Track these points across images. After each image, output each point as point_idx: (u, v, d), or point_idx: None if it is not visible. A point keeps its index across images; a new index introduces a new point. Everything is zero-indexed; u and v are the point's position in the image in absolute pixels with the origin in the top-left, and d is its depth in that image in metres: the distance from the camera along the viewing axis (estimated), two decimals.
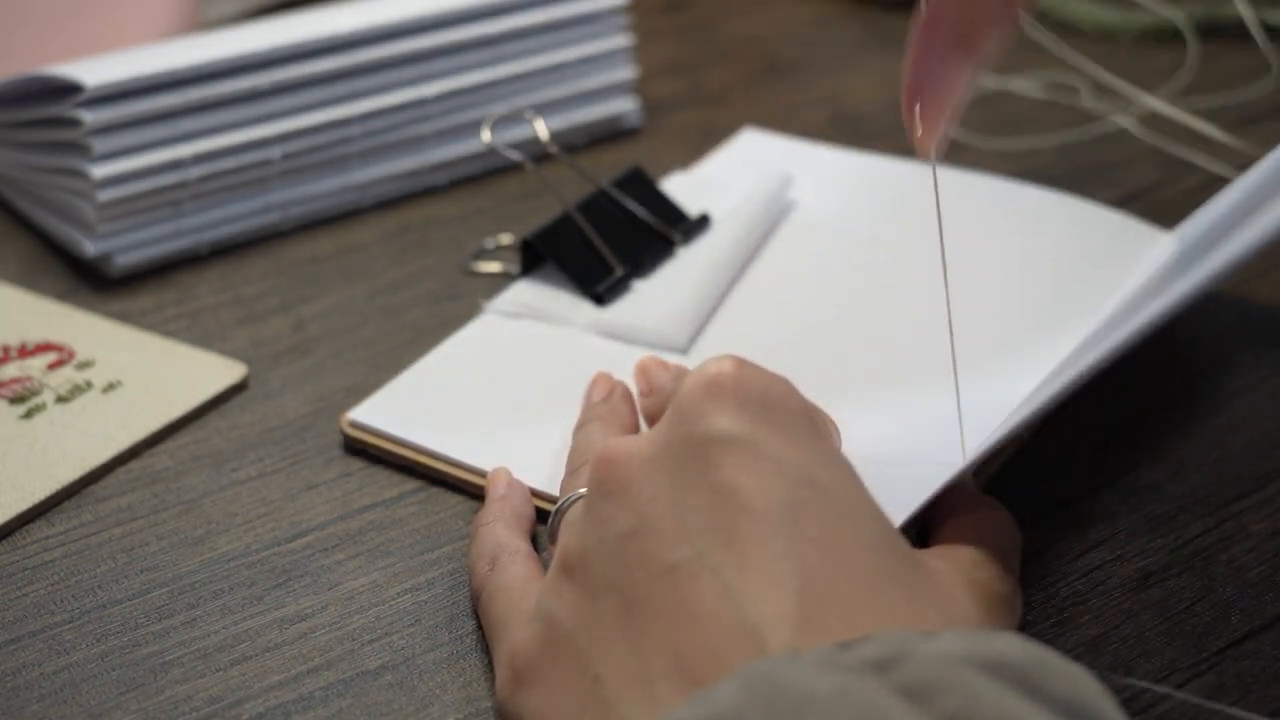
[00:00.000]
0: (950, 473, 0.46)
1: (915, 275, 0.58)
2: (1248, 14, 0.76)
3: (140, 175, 0.61)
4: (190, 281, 0.62)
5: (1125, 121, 0.73)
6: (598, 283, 0.58)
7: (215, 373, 0.55)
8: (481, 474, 0.49)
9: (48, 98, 0.61)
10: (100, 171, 0.60)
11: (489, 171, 0.70)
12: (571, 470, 0.46)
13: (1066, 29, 0.84)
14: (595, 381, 0.51)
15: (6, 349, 0.56)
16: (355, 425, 0.51)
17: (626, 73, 0.74)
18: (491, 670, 0.42)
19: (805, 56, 0.84)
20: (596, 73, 0.72)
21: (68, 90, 0.59)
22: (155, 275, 0.62)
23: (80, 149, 0.60)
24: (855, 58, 0.84)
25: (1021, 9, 0.43)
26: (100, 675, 0.42)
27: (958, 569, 0.38)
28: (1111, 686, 0.32)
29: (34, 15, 0.71)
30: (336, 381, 0.55)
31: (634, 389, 0.51)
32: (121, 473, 0.51)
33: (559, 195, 0.62)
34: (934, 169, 0.46)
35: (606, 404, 0.49)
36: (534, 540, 0.45)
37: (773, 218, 0.63)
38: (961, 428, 0.46)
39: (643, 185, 0.63)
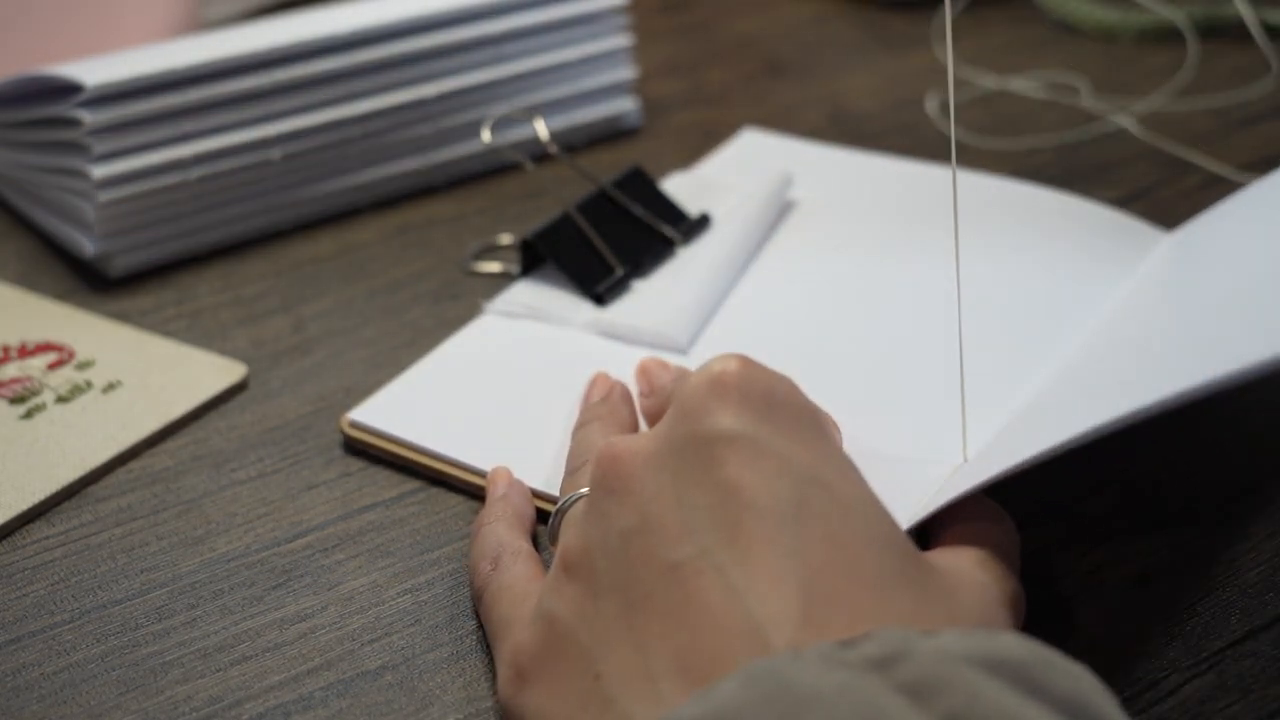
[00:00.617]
0: (950, 471, 0.46)
1: (915, 275, 0.58)
2: (1248, 14, 0.76)
3: (140, 175, 0.61)
4: (190, 281, 0.62)
5: (1125, 121, 0.73)
6: (598, 283, 0.58)
7: (215, 373, 0.55)
8: (481, 474, 0.49)
9: (48, 98, 0.61)
10: (100, 172, 0.60)
11: (489, 171, 0.70)
12: (572, 470, 0.46)
13: (1066, 29, 0.84)
14: (594, 382, 0.51)
15: (6, 349, 0.56)
16: (355, 425, 0.51)
17: (626, 73, 0.74)
18: (492, 670, 0.42)
19: (805, 56, 0.85)
20: (596, 73, 0.73)
21: (68, 90, 0.59)
22: (155, 275, 0.62)
23: (80, 149, 0.60)
24: (855, 58, 0.84)
25: None
26: (100, 675, 0.42)
27: (962, 569, 0.38)
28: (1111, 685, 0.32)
29: (34, 15, 0.71)
30: (336, 381, 0.55)
31: (634, 389, 0.51)
32: (121, 473, 0.51)
33: (559, 195, 0.62)
34: (954, 173, 0.46)
35: (605, 404, 0.49)
36: (534, 540, 0.45)
37: (773, 217, 0.63)
38: (964, 428, 0.46)
39: (643, 185, 0.63)
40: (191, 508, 0.49)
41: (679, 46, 0.86)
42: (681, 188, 0.65)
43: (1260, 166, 0.68)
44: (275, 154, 0.64)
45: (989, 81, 0.79)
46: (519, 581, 0.41)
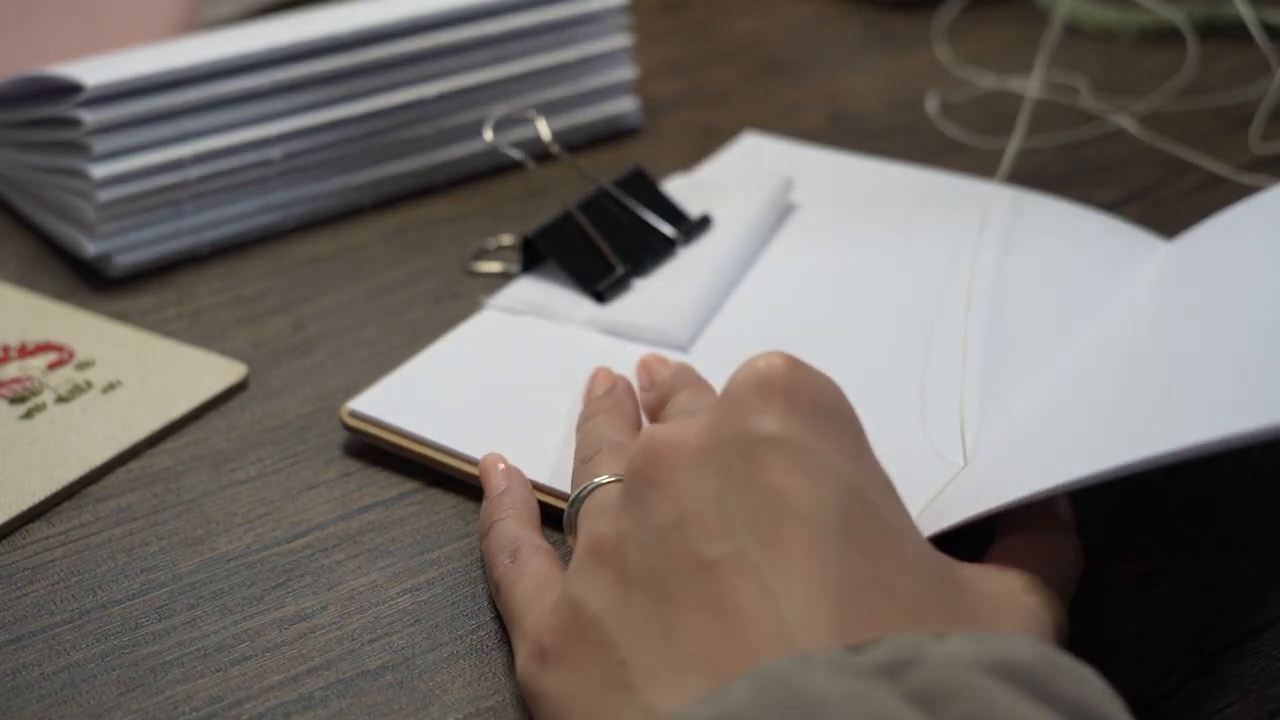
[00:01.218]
0: (952, 474, 0.46)
1: (914, 277, 0.58)
2: (1248, 14, 0.76)
3: (140, 175, 0.61)
4: (190, 281, 0.62)
5: (1125, 121, 0.73)
6: (599, 280, 0.58)
7: (215, 373, 0.55)
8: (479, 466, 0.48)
9: (48, 98, 0.61)
10: (100, 171, 0.60)
11: (489, 171, 0.70)
12: (584, 459, 0.45)
13: (1066, 29, 0.84)
14: (596, 376, 0.51)
15: (6, 349, 0.56)
16: (355, 415, 0.51)
17: (626, 73, 0.74)
18: (491, 670, 0.42)
19: (805, 56, 0.85)
20: (596, 73, 0.73)
21: (68, 90, 0.59)
22: (155, 275, 0.62)
23: (80, 149, 0.60)
24: (855, 58, 0.84)
25: None
26: (100, 675, 0.42)
27: (1004, 594, 0.37)
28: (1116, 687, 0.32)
29: (34, 15, 0.71)
30: (336, 381, 0.55)
31: (637, 384, 0.51)
32: (121, 473, 0.51)
33: (559, 195, 0.62)
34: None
35: (610, 398, 0.49)
36: None
37: (774, 219, 0.63)
38: (963, 431, 0.46)
39: (644, 186, 0.63)
40: (191, 508, 0.49)
41: (679, 46, 0.86)
42: (682, 189, 0.65)
43: (1259, 167, 0.68)
44: (275, 154, 0.64)
45: (989, 81, 0.79)
46: (540, 572, 0.41)
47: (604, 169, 0.65)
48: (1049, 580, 0.38)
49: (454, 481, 0.49)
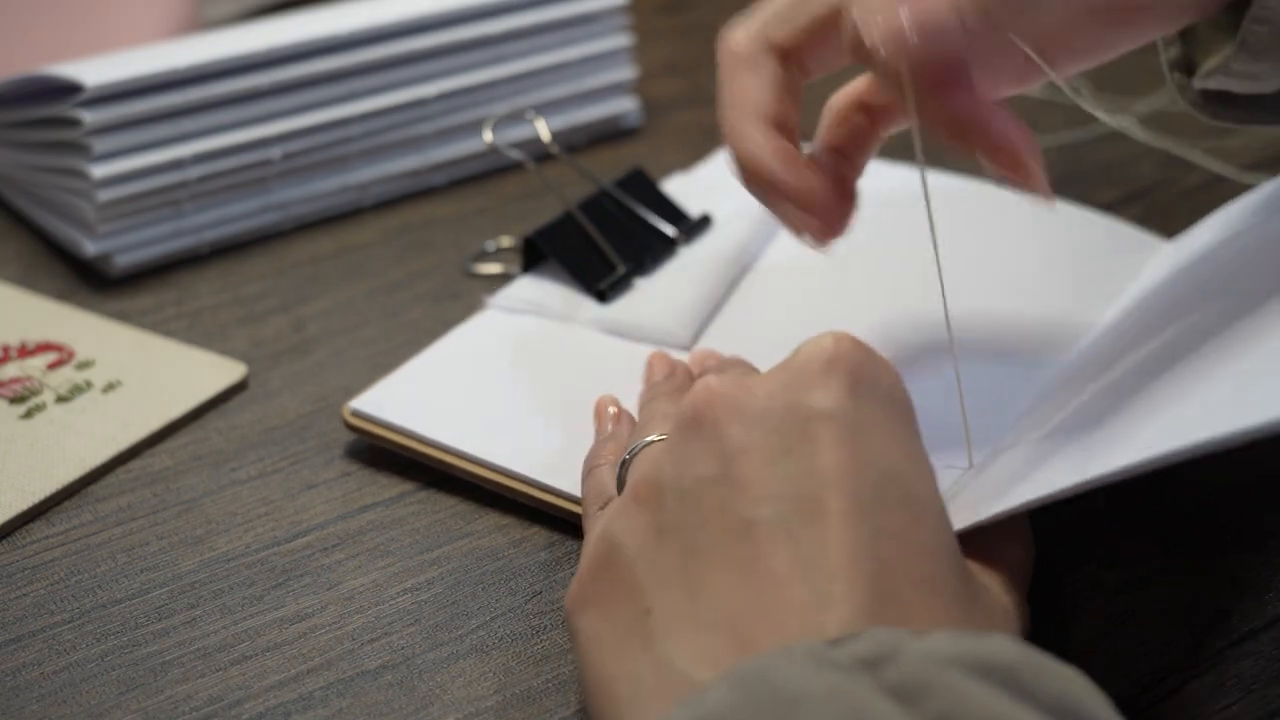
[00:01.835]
0: (956, 476, 0.46)
1: (915, 278, 0.58)
2: None
3: (140, 175, 0.61)
4: (190, 281, 0.62)
5: (1125, 122, 0.73)
6: (600, 280, 0.58)
7: (215, 373, 0.55)
8: (482, 465, 0.48)
9: (48, 98, 0.61)
10: (100, 171, 0.60)
11: (489, 171, 0.70)
12: (643, 423, 0.45)
13: None
14: (654, 361, 0.52)
15: (6, 349, 0.56)
16: (356, 414, 0.51)
17: (626, 73, 0.74)
18: (491, 670, 0.42)
19: None
20: (596, 73, 0.73)
21: (68, 90, 0.59)
22: (155, 275, 0.62)
23: (80, 149, 0.60)
24: None
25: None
26: (100, 675, 0.42)
27: (990, 590, 0.38)
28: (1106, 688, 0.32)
29: (34, 15, 0.71)
30: (336, 381, 0.55)
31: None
32: (121, 473, 0.51)
33: (560, 195, 0.62)
34: (923, 173, 0.46)
35: (670, 381, 0.49)
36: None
37: (774, 219, 0.63)
38: (967, 434, 0.46)
39: (644, 186, 0.63)
40: (191, 508, 0.49)
41: (679, 46, 0.86)
42: (682, 189, 0.65)
43: (1259, 167, 0.68)
44: (275, 153, 0.64)
45: None
46: None
47: (604, 169, 0.65)
48: (1015, 579, 0.39)
49: (454, 481, 0.49)
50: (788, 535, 0.34)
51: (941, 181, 0.66)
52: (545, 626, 0.44)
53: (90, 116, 0.59)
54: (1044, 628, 0.42)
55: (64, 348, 0.56)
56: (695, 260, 0.59)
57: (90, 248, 0.61)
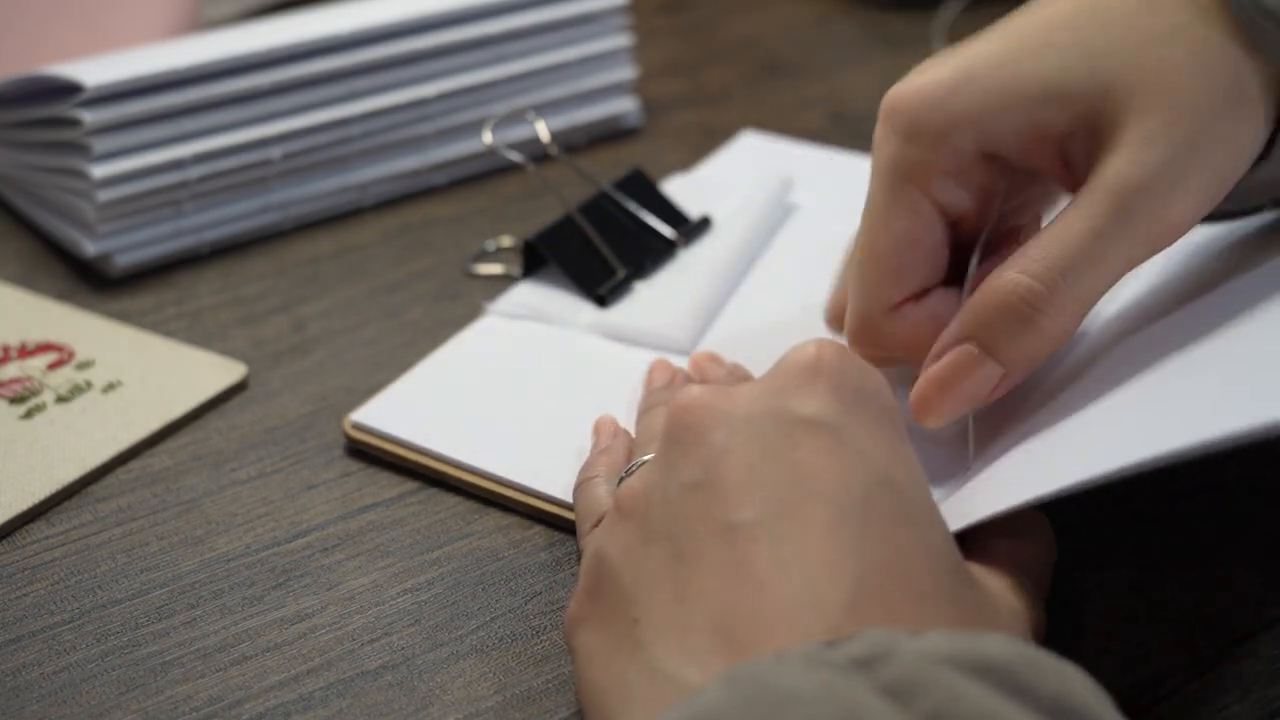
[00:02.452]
0: (960, 476, 0.46)
1: None
2: None
3: (140, 175, 0.61)
4: (190, 281, 0.62)
5: None
6: (600, 284, 0.58)
7: (215, 373, 0.55)
8: (485, 476, 0.48)
9: (48, 98, 0.61)
10: (100, 171, 0.60)
11: (489, 171, 0.70)
12: (640, 444, 0.46)
13: None
14: (655, 368, 0.52)
15: (6, 349, 0.56)
16: (357, 427, 0.51)
17: (626, 73, 0.74)
18: (491, 670, 0.42)
19: (805, 56, 0.85)
20: (596, 73, 0.73)
21: (68, 90, 0.59)
22: (155, 275, 0.62)
23: (80, 149, 0.60)
24: (855, 58, 0.84)
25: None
26: (100, 675, 0.42)
27: (999, 591, 0.38)
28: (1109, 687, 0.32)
29: (33, 15, 0.71)
30: (336, 381, 0.55)
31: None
32: (121, 473, 0.51)
33: (559, 196, 0.62)
34: None
35: (669, 390, 0.49)
36: None
37: (774, 221, 0.63)
38: (970, 432, 0.46)
39: (643, 187, 0.63)
40: (191, 508, 0.49)
41: (679, 46, 0.86)
42: (682, 190, 0.65)
43: None
44: (275, 153, 0.64)
45: None
46: None
47: (604, 169, 0.65)
48: (1032, 581, 0.39)
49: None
50: (770, 538, 0.34)
51: None
52: (545, 627, 0.44)
53: (90, 116, 0.59)
54: (1045, 628, 0.42)
55: (64, 348, 0.56)
56: (695, 263, 0.59)
57: (90, 248, 0.61)
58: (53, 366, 0.55)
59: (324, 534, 0.48)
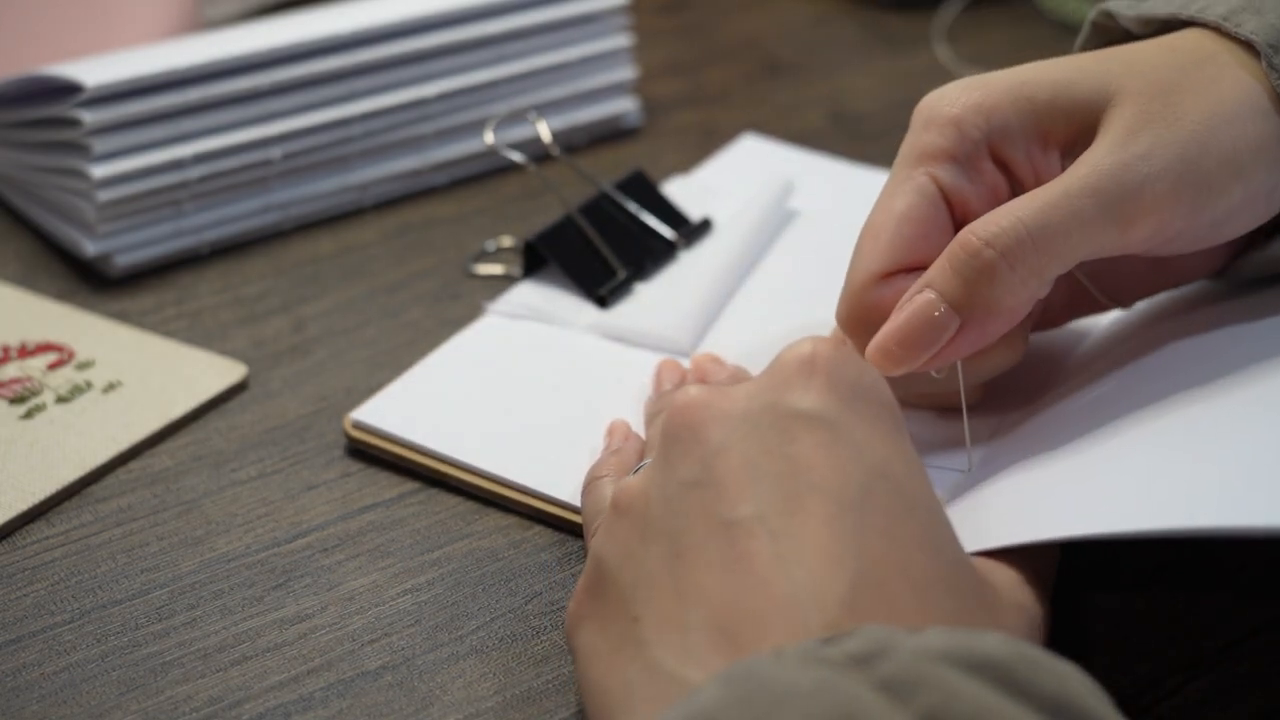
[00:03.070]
0: (957, 480, 0.46)
1: None
2: None
3: (140, 175, 0.61)
4: (190, 281, 0.62)
5: None
6: (600, 285, 0.58)
7: (215, 373, 0.55)
8: (485, 476, 0.48)
9: (48, 98, 0.61)
10: (100, 171, 0.60)
11: (489, 171, 0.70)
12: (651, 447, 0.46)
13: (1066, 29, 0.84)
14: (663, 369, 0.52)
15: (6, 349, 0.56)
16: (358, 426, 0.51)
17: (626, 73, 0.74)
18: (491, 670, 0.42)
19: (805, 56, 0.84)
20: (596, 73, 0.72)
21: (68, 90, 0.59)
22: (155, 275, 0.62)
23: (80, 149, 0.60)
24: (855, 58, 0.84)
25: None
26: (100, 675, 0.42)
27: (1003, 586, 0.38)
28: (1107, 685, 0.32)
29: (33, 15, 0.71)
30: (336, 381, 0.55)
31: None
32: (121, 473, 0.51)
33: (560, 196, 0.62)
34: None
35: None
36: None
37: (775, 224, 0.63)
38: (968, 436, 0.46)
39: (644, 188, 0.63)
40: (191, 508, 0.49)
41: (679, 46, 0.86)
42: (682, 192, 0.65)
43: None
44: (275, 153, 0.64)
45: None
46: None
47: (604, 169, 0.65)
48: (1036, 577, 0.39)
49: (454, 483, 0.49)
50: (768, 533, 0.34)
51: None
52: (545, 627, 0.44)
53: (90, 116, 0.59)
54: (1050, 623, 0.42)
55: (64, 348, 0.56)
56: (696, 265, 0.59)
57: (90, 248, 0.61)
58: (53, 367, 0.55)
59: (324, 534, 0.48)
